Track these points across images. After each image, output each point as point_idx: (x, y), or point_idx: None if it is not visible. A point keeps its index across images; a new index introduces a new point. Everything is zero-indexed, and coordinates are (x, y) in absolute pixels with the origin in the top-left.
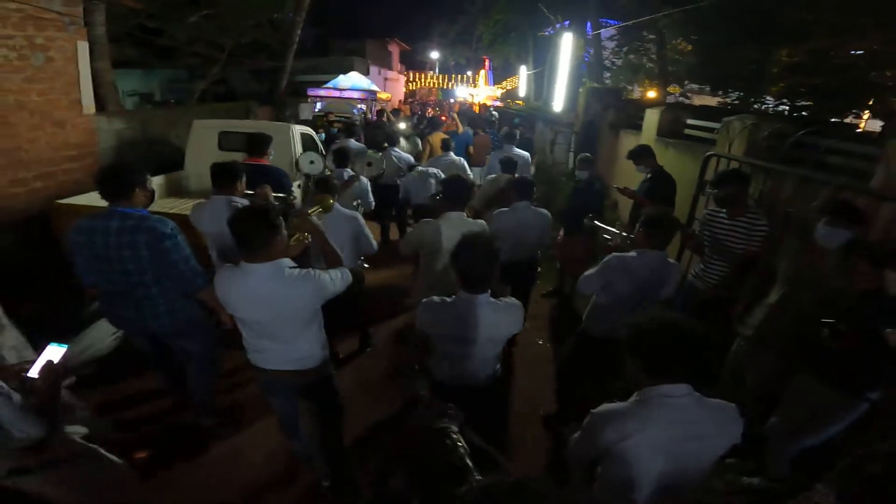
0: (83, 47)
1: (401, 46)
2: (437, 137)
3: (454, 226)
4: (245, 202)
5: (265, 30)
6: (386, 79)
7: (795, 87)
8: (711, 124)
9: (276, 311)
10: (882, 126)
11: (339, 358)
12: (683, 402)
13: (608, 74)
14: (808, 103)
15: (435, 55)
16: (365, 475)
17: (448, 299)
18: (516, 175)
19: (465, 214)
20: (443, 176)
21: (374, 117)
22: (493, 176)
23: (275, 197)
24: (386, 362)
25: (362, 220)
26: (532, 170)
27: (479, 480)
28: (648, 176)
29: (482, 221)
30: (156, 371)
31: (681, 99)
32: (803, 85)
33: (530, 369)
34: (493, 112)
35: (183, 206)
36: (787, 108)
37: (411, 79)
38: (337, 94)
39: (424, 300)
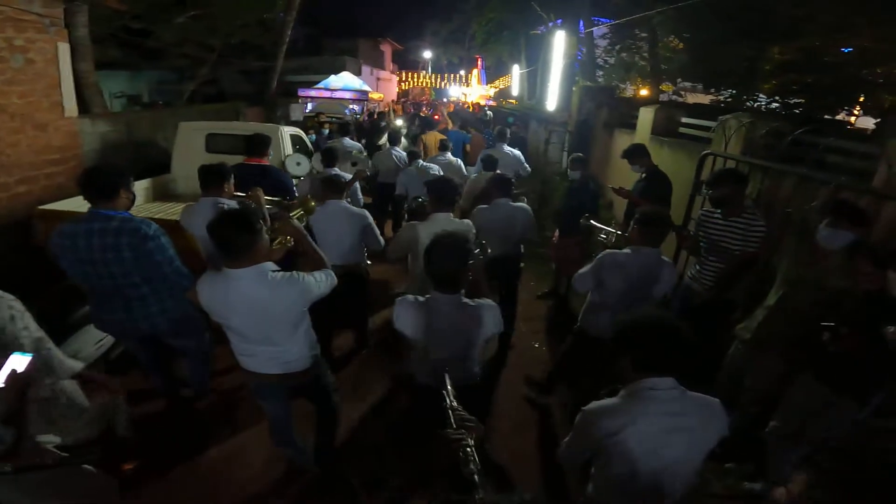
0: (64, 49)
1: (393, 46)
2: (432, 137)
3: (437, 227)
4: (233, 203)
5: (255, 30)
6: (378, 79)
7: (788, 84)
8: (707, 123)
9: (262, 315)
10: (876, 123)
11: (333, 357)
12: (669, 394)
13: (601, 73)
14: (801, 100)
15: (427, 54)
16: (358, 474)
17: (421, 299)
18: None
19: (451, 215)
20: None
21: (366, 118)
22: (476, 175)
23: (268, 200)
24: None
25: (370, 218)
26: (526, 168)
27: (483, 498)
28: (643, 175)
29: (468, 221)
30: (146, 372)
31: (674, 97)
32: (795, 82)
33: (521, 378)
34: (488, 112)
35: (169, 210)
36: (779, 105)
37: (404, 78)
38: (328, 94)
39: (399, 299)
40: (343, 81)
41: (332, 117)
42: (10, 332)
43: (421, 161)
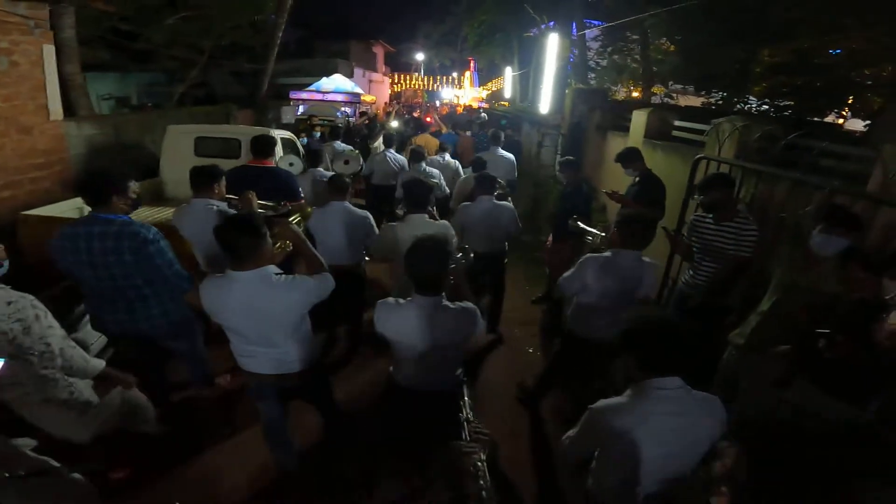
0: (49, 51)
1: (386, 48)
2: (423, 139)
3: (415, 228)
4: (224, 206)
5: (246, 32)
6: (371, 81)
7: (778, 86)
8: (700, 126)
9: (266, 317)
10: (867, 125)
11: (330, 356)
12: (676, 394)
13: (593, 75)
14: (790, 103)
15: (420, 57)
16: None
17: (402, 301)
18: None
19: (426, 216)
20: (442, 180)
21: (357, 119)
22: (465, 177)
23: (260, 204)
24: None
25: (372, 219)
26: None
27: None
28: (637, 179)
29: (445, 222)
30: (141, 374)
31: (665, 99)
32: (785, 85)
33: (517, 377)
34: (483, 114)
35: (157, 215)
36: (770, 108)
37: (396, 80)
38: (320, 96)
39: (379, 301)
40: (335, 84)
41: (323, 120)
42: (35, 331)
43: (424, 165)
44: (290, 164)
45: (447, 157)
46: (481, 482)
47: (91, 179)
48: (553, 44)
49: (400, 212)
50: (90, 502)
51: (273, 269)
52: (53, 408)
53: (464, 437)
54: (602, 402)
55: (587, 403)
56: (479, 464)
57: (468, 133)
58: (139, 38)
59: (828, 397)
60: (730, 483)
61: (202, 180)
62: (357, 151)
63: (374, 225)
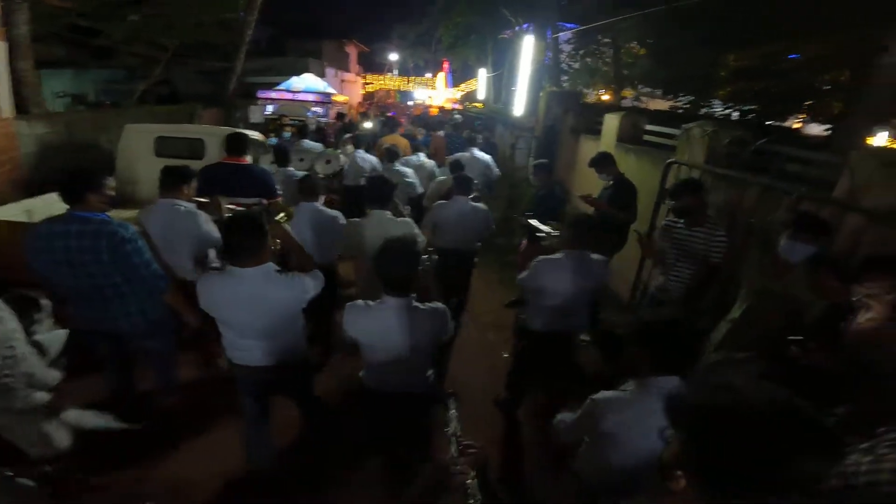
0: (1, 48)
1: (359, 48)
2: (391, 139)
3: (377, 224)
4: (191, 207)
5: (213, 29)
6: (343, 81)
7: (741, 91)
8: (671, 130)
9: (268, 310)
10: (829, 130)
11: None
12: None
13: (565, 77)
14: (754, 107)
15: (394, 57)
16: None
17: (372, 303)
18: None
19: (388, 213)
20: (416, 180)
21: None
22: (440, 178)
23: (231, 205)
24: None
25: (343, 219)
26: (496, 172)
27: None
28: (610, 183)
29: (408, 220)
30: (108, 374)
31: (635, 103)
32: (748, 89)
33: (494, 386)
34: (457, 116)
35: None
36: (735, 112)
37: (369, 81)
38: (290, 96)
39: (348, 304)
40: (305, 83)
41: (294, 120)
42: (0, 333)
43: (397, 165)
44: (272, 162)
45: (422, 156)
46: (471, 501)
47: (67, 177)
48: (528, 46)
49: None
50: None
51: (273, 266)
52: (11, 418)
53: (451, 453)
54: (604, 394)
55: (564, 403)
56: (470, 481)
57: (440, 133)
58: (98, 34)
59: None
60: (682, 468)
61: (171, 181)
62: (338, 151)
63: (346, 225)
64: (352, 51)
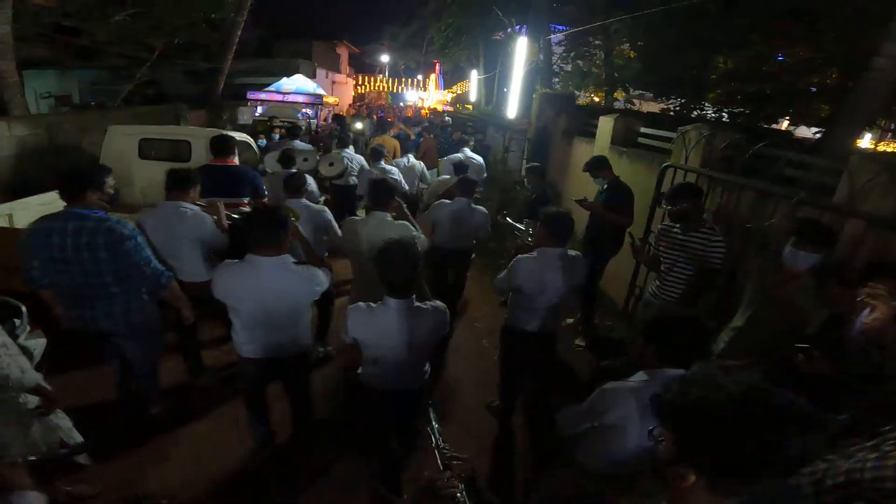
0: None
1: (350, 49)
2: (381, 139)
3: (376, 225)
4: (196, 209)
5: (201, 30)
6: (334, 82)
7: (731, 93)
8: (666, 133)
9: (281, 300)
10: (817, 133)
11: None
12: None
13: (557, 80)
14: (743, 110)
15: (385, 58)
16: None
17: (374, 305)
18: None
19: (388, 215)
20: (400, 178)
21: (325, 122)
22: (445, 177)
23: (227, 205)
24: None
25: (329, 214)
26: (484, 175)
27: None
28: (605, 187)
29: (405, 223)
30: (109, 363)
31: (628, 105)
32: (738, 92)
33: (486, 391)
34: (447, 118)
35: None
36: (724, 114)
37: (360, 82)
38: (280, 97)
39: (350, 306)
40: (296, 84)
41: (284, 122)
42: None
43: (383, 163)
44: (305, 160)
45: (411, 158)
46: None
47: (66, 174)
48: (522, 48)
49: (361, 212)
50: None
51: (290, 258)
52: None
53: (437, 466)
54: (613, 384)
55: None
56: (459, 496)
57: (431, 136)
58: (82, 34)
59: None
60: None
61: (179, 183)
62: (340, 153)
63: (332, 219)
64: (343, 52)
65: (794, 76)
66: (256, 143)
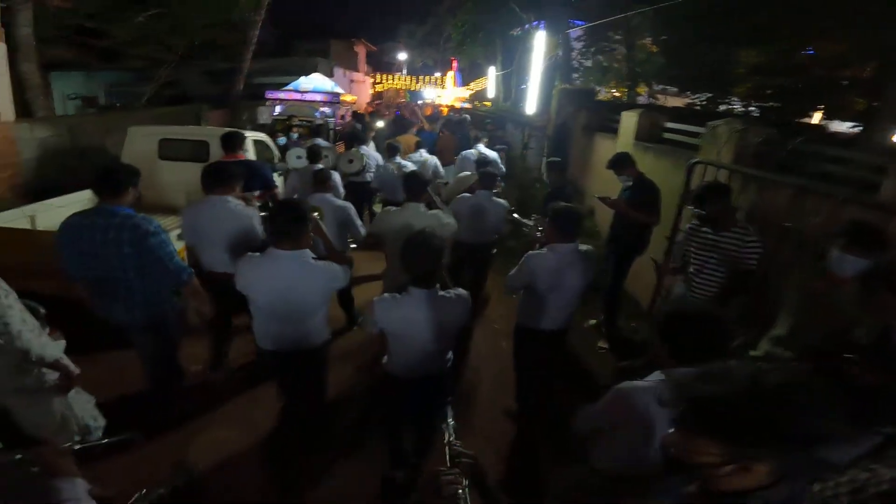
0: (0, 50)
1: (367, 47)
2: (403, 139)
3: (411, 215)
4: (241, 204)
5: (220, 30)
6: (352, 80)
7: (760, 87)
8: (693, 128)
9: (298, 293)
10: (854, 127)
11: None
12: None
13: (576, 75)
14: (774, 104)
15: (402, 56)
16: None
17: (399, 296)
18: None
19: (421, 206)
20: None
21: (342, 120)
22: (466, 174)
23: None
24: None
25: (353, 209)
26: (502, 169)
27: None
28: (630, 184)
29: (438, 212)
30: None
31: (650, 100)
32: (768, 86)
33: (503, 395)
34: (466, 116)
35: None
36: (754, 108)
37: (378, 80)
38: (298, 96)
39: (376, 298)
40: (313, 83)
41: (303, 120)
42: None
43: (398, 158)
44: (298, 157)
45: (424, 153)
46: None
47: (106, 172)
48: (540, 42)
49: (377, 206)
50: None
51: (310, 252)
52: (21, 398)
53: (445, 462)
54: (629, 383)
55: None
56: (461, 492)
57: (450, 132)
58: (105, 35)
59: None
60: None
61: (224, 178)
62: (358, 150)
63: (355, 214)
64: (360, 50)
65: (826, 69)
66: (276, 141)
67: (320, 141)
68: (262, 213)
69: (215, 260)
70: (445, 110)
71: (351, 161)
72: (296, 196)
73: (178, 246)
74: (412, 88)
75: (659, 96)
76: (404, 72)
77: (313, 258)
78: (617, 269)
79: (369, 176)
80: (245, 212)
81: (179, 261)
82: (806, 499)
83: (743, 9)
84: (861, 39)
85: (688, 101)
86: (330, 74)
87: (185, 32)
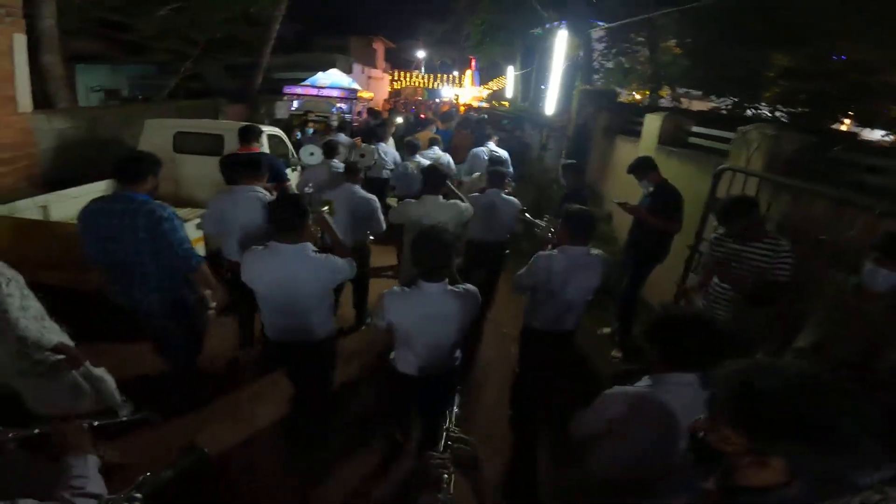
0: (20, 40)
1: (386, 44)
2: (421, 136)
3: (430, 207)
4: (267, 195)
5: (240, 24)
6: (370, 77)
7: (791, 92)
8: (722, 133)
9: (298, 286)
10: (889, 135)
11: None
12: (691, 390)
13: (597, 76)
14: (805, 109)
15: (421, 54)
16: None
17: (408, 289)
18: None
19: (440, 197)
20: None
21: (358, 116)
22: (479, 174)
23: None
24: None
25: (377, 203)
26: (510, 170)
27: None
28: (651, 190)
29: (455, 201)
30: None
31: (674, 103)
32: (800, 90)
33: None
34: (484, 115)
35: None
36: (783, 114)
37: (396, 78)
38: (315, 92)
39: (386, 290)
40: (331, 79)
41: (318, 116)
42: None
43: (418, 156)
44: (311, 154)
45: (437, 150)
46: (441, 495)
47: (129, 159)
48: (562, 42)
49: (393, 201)
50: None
51: (311, 246)
52: (26, 381)
53: (439, 447)
54: (618, 388)
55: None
56: (447, 476)
57: (467, 131)
58: (129, 28)
59: None
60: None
61: (251, 169)
62: (372, 146)
63: (379, 207)
64: (379, 47)
65: (862, 74)
66: (294, 136)
67: (342, 136)
68: None
69: (239, 249)
70: (462, 109)
71: (363, 156)
72: (308, 191)
73: (196, 235)
74: (430, 87)
75: (682, 100)
76: (422, 70)
77: (314, 251)
78: (634, 276)
79: (386, 172)
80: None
81: (190, 247)
82: None
83: (773, 11)
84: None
85: (712, 104)
86: (348, 71)
87: (206, 26)
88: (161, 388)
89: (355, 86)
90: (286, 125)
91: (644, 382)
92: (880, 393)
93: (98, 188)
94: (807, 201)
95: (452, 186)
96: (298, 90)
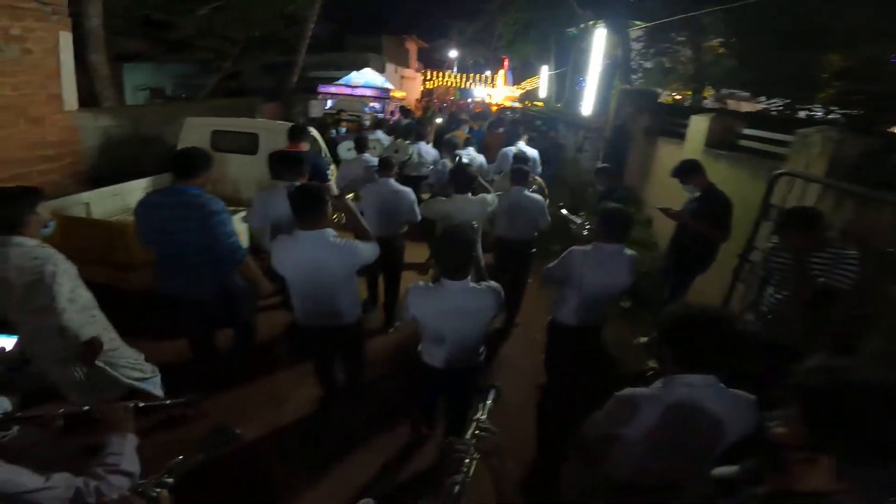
0: (66, 38)
1: (419, 44)
2: (458, 134)
3: (461, 204)
4: None
5: (277, 23)
6: (403, 76)
7: (848, 93)
8: (778, 136)
9: (321, 271)
10: None
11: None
12: (704, 392)
13: (636, 76)
14: (862, 112)
15: (453, 54)
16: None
17: (432, 285)
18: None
19: (469, 195)
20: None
21: (392, 115)
22: (505, 173)
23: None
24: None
25: (412, 195)
26: (539, 169)
27: None
28: (697, 195)
29: (483, 196)
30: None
31: (719, 105)
32: (856, 92)
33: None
34: (516, 114)
35: None
36: (838, 116)
37: (429, 77)
38: (348, 91)
39: (411, 286)
40: (364, 78)
41: (351, 115)
42: (46, 285)
43: (461, 154)
44: (349, 150)
45: (472, 150)
46: (458, 477)
47: (186, 154)
48: (599, 41)
49: (425, 195)
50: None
51: (332, 231)
52: (55, 366)
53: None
54: (629, 390)
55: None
56: (468, 461)
57: (500, 130)
58: (172, 28)
59: None
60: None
61: (293, 166)
62: (408, 142)
63: (415, 200)
64: (412, 47)
65: None
66: (329, 134)
67: (381, 133)
68: None
69: None
70: (494, 109)
71: (397, 151)
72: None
73: (237, 229)
74: (462, 86)
75: (728, 101)
76: (455, 69)
77: (334, 236)
78: (677, 284)
79: (425, 170)
80: None
81: (237, 241)
82: None
83: (828, 11)
84: None
85: (760, 106)
86: (381, 70)
87: (244, 25)
88: (197, 377)
89: (388, 85)
90: (320, 124)
91: (656, 384)
92: None
93: (139, 186)
94: (875, 210)
95: (481, 180)
96: (332, 89)
